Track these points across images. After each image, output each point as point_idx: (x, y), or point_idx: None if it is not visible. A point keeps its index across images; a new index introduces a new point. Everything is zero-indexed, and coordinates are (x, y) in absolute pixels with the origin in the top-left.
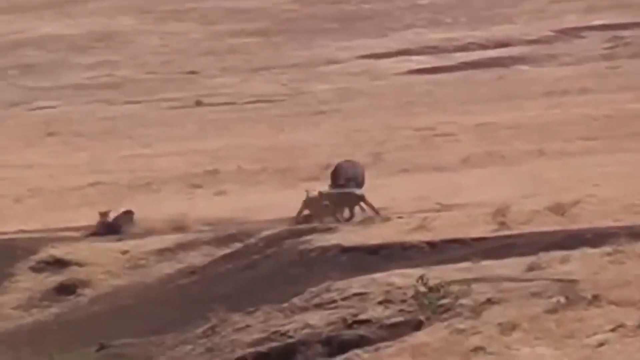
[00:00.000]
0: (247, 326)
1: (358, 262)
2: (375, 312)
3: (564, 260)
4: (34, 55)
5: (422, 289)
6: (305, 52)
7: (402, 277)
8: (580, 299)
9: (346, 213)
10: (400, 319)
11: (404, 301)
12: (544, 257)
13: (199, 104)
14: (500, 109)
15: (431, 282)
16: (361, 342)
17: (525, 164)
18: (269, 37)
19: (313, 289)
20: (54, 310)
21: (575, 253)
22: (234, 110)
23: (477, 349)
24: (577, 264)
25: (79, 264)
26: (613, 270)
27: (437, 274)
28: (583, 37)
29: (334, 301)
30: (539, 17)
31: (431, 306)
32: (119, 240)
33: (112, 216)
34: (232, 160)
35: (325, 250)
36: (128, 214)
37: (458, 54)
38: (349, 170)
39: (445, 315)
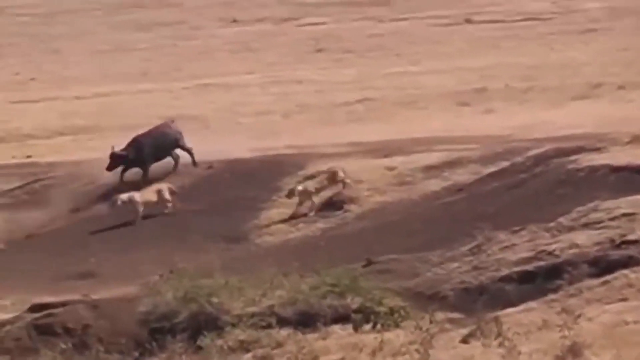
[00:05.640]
0: (513, 245)
1: (627, 182)
2: None
3: None
4: None
5: None
6: None
7: None
8: None
9: None
10: None
11: None
12: None
13: (468, 21)
14: None
15: None
16: (629, 263)
17: None
18: None
19: (580, 209)
20: (320, 225)
21: None
22: (503, 28)
23: None
24: None
25: None
26: None
27: None
28: None
29: (602, 221)
30: None
31: None
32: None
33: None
34: (500, 78)
35: (593, 169)
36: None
37: None
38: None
39: None
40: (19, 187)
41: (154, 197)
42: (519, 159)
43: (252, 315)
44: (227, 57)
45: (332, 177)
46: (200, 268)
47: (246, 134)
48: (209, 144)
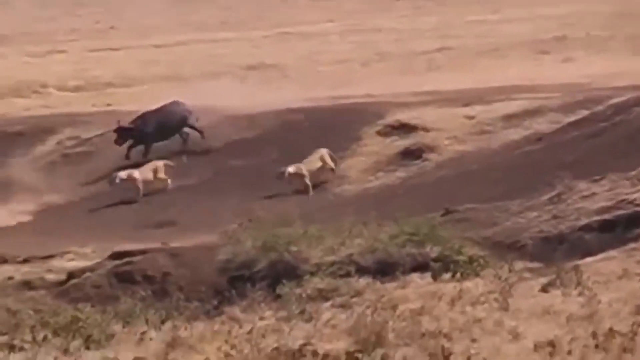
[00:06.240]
0: (593, 194)
1: None
2: None
3: None
4: None
5: None
6: None
7: None
8: None
9: None
10: None
11: None
12: None
13: None
14: None
15: None
16: None
17: None
18: None
19: None
20: (399, 174)
21: None
22: None
23: None
24: None
25: (425, 129)
26: None
27: None
28: None
29: None
30: None
31: None
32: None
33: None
34: (581, 26)
35: None
36: None
37: None
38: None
39: None
40: (99, 136)
41: (151, 175)
42: (599, 107)
43: (331, 264)
44: (306, 6)
45: (323, 160)
46: (279, 217)
47: (325, 82)
48: (288, 92)
